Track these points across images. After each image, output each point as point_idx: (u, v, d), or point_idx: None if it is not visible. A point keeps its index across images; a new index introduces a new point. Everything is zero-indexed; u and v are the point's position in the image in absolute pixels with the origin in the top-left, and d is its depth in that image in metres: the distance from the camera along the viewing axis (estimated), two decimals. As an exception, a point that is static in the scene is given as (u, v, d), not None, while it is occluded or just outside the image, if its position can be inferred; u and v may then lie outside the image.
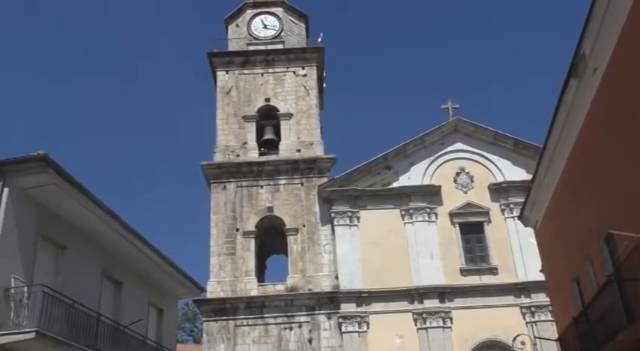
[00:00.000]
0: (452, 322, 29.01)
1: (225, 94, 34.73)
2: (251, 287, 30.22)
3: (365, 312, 29.30)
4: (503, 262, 30.14)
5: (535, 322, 28.77)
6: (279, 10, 37.31)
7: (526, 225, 23.18)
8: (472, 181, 31.95)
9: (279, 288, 30.45)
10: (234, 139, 33.57)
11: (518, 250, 30.05)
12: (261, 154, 33.36)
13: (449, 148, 32.78)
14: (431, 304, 29.31)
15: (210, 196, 32.27)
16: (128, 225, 18.79)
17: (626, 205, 13.13)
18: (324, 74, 37.53)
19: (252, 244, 31.20)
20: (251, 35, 36.72)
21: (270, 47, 36.05)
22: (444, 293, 29.48)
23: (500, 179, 31.83)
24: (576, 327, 15.77)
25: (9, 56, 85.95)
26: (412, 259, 30.27)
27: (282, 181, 32.39)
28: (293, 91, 34.82)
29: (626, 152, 12.89)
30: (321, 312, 29.48)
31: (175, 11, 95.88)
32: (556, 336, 20.58)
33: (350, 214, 31.30)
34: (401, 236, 30.89)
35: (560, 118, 16.18)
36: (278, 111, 34.28)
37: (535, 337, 26.31)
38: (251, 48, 36.09)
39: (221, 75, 35.29)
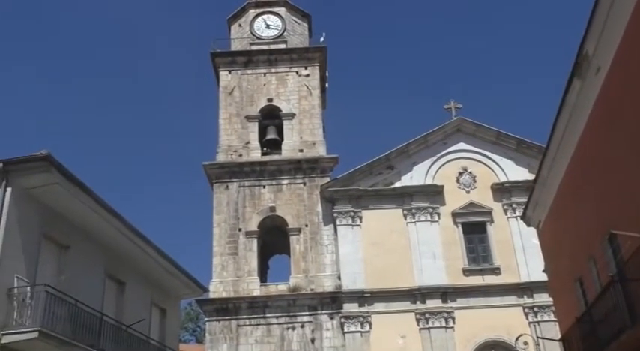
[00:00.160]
0: (454, 322, 29.00)
1: (228, 94, 34.75)
2: (253, 287, 30.24)
3: (367, 312, 29.30)
4: (505, 262, 30.11)
5: (538, 322, 28.74)
6: (281, 10, 37.33)
7: (529, 225, 23.16)
8: (475, 181, 31.92)
9: (281, 288, 30.47)
10: (236, 139, 33.59)
11: (520, 250, 30.01)
12: (263, 154, 33.38)
13: (451, 148, 32.77)
14: (433, 304, 29.30)
15: (212, 196, 32.30)
16: (131, 225, 18.80)
17: (629, 204, 13.12)
18: (327, 74, 37.57)
19: (254, 244, 31.22)
20: (254, 35, 36.75)
21: (272, 47, 36.08)
22: (446, 293, 29.47)
23: (502, 179, 31.80)
24: (579, 327, 15.74)
25: (9, 56, 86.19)
26: (415, 259, 30.26)
27: (285, 181, 32.41)
28: (295, 91, 34.84)
29: (629, 152, 12.87)
30: (324, 312, 29.49)
31: (175, 11, 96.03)
32: (559, 336, 20.55)
33: (352, 214, 31.30)
34: (403, 236, 30.88)
35: (563, 118, 16.16)
36: (280, 111, 34.29)
37: (538, 337, 26.32)
38: (254, 48, 36.11)
39: (224, 75, 35.33)
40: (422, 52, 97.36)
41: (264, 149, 33.61)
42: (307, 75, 35.25)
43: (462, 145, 32.78)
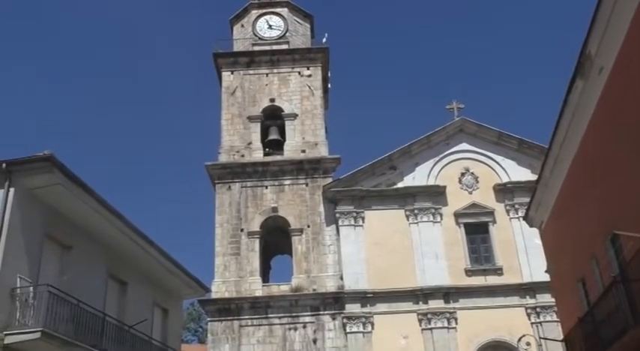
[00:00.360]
0: (457, 323, 28.98)
1: (230, 95, 34.78)
2: (256, 287, 30.25)
3: (370, 312, 29.29)
4: (508, 263, 30.09)
5: (540, 322, 28.72)
6: (284, 11, 37.35)
7: (531, 225, 23.13)
8: (477, 182, 31.91)
9: (283, 288, 30.47)
10: (238, 139, 33.61)
11: (523, 250, 29.99)
12: (265, 155, 33.40)
13: (454, 149, 32.75)
14: (436, 304, 29.28)
15: (215, 197, 32.32)
16: (133, 225, 18.82)
17: (631, 205, 13.09)
18: (329, 74, 37.56)
19: (256, 244, 31.22)
20: (256, 35, 36.78)
21: (275, 47, 36.09)
22: (448, 294, 29.45)
23: (505, 179, 31.78)
24: (582, 327, 15.72)
25: (9, 56, 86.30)
26: (417, 259, 30.24)
27: (287, 182, 32.42)
28: (298, 92, 34.85)
29: (632, 152, 12.85)
30: (326, 312, 29.49)
31: (176, 11, 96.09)
32: (561, 337, 20.51)
33: (355, 214, 31.30)
34: (406, 236, 30.86)
35: (565, 118, 16.13)
36: (283, 111, 34.31)
37: (540, 338, 26.27)
38: (256, 48, 36.14)
39: (226, 75, 35.35)
40: (424, 52, 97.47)
41: (267, 150, 33.62)
42: (309, 75, 35.27)
43: (464, 146, 32.76)
